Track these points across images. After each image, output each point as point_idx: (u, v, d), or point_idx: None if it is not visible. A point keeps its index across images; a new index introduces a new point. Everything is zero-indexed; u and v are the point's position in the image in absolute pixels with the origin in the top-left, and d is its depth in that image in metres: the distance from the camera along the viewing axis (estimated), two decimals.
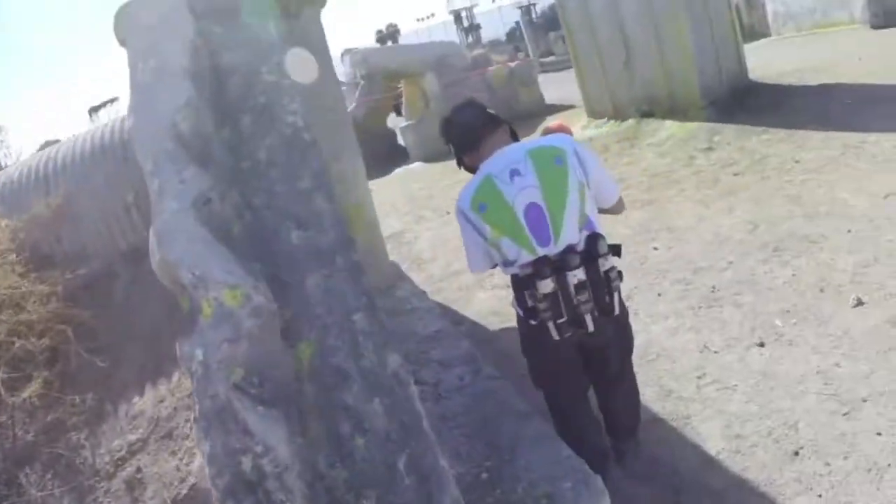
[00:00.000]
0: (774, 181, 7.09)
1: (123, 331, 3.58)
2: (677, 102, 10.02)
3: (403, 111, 17.62)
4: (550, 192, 2.79)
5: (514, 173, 2.82)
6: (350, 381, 2.54)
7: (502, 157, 2.89)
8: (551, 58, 27.95)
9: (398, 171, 14.86)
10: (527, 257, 2.81)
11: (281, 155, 3.38)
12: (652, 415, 4.06)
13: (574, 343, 2.96)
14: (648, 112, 10.48)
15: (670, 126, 9.81)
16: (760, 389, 4.07)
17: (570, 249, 2.78)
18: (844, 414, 3.72)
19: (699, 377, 4.33)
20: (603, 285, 2.80)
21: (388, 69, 15.91)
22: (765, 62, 11.96)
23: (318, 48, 4.96)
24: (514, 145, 2.99)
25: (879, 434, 3.50)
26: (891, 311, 4.45)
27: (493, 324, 5.72)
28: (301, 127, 3.52)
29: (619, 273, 2.89)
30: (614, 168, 9.18)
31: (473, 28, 40.72)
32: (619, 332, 3.17)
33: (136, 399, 3.37)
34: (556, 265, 2.75)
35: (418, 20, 56.39)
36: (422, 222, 9.91)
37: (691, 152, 8.73)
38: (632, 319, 4.61)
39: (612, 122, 11.06)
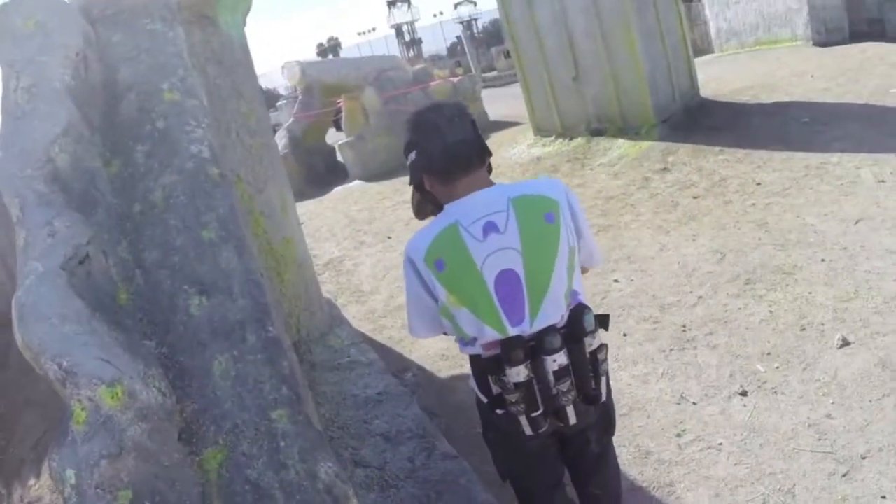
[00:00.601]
0: (737, 205, 6.69)
1: (19, 397, 3.01)
2: (629, 120, 9.63)
3: (343, 127, 17.05)
4: (534, 258, 2.14)
5: (491, 228, 2.13)
6: (270, 501, 1.95)
7: (477, 203, 2.18)
8: (493, 73, 27.73)
9: (337, 189, 14.24)
10: (491, 335, 2.17)
11: (181, 196, 2.82)
12: (630, 482, 3.57)
13: (548, 433, 2.33)
14: (599, 130, 10.09)
15: (622, 145, 9.42)
16: (748, 448, 3.62)
17: (550, 328, 2.15)
18: (844, 475, 3.31)
19: (679, 434, 3.85)
20: (588, 369, 2.19)
21: (327, 83, 15.31)
22: (714, 79, 11.72)
23: (239, 60, 4.36)
24: (494, 189, 2.23)
25: (884, 497, 3.12)
26: (879, 352, 4.07)
27: (443, 370, 5.17)
28: (207, 159, 2.96)
29: (606, 350, 2.27)
30: None
31: (415, 42, 40.45)
32: (602, 415, 2.49)
33: (32, 481, 2.82)
34: (532, 347, 2.13)
35: (360, 34, 56.07)
36: (362, 248, 9.33)
37: (646, 173, 8.32)
38: None
39: (560, 140, 10.64)
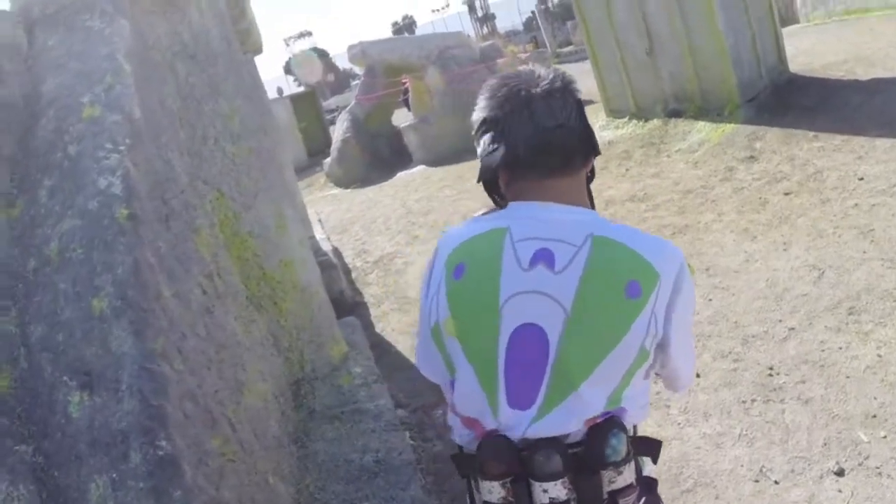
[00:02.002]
0: (837, 205, 5.66)
1: None
2: (710, 100, 8.59)
3: (410, 108, 16.37)
4: (582, 334, 1.39)
5: (545, 258, 1.41)
6: None
7: (547, 218, 1.46)
8: (569, 48, 26.58)
9: (400, 175, 13.60)
10: (475, 402, 1.47)
11: (77, 248, 2.24)
12: None
13: None
14: (676, 111, 9.07)
15: (703, 128, 8.40)
16: None
17: (551, 443, 1.40)
18: None
19: None
20: None
21: (389, 63, 14.64)
22: (803, 52, 10.41)
23: (218, 52, 3.68)
24: (580, 211, 1.49)
25: None
26: None
27: None
28: (116, 195, 2.34)
29: (636, 495, 1.43)
30: (638, 181, 7.81)
31: (488, 18, 39.38)
32: None
33: None
34: (521, 459, 1.41)
35: (433, 11, 55.00)
36: (415, 243, 8.65)
37: (730, 162, 7.31)
38: (662, 413, 3.49)
39: (633, 121, 9.66)
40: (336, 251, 8.63)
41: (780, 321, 4.33)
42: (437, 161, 13.21)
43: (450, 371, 1.54)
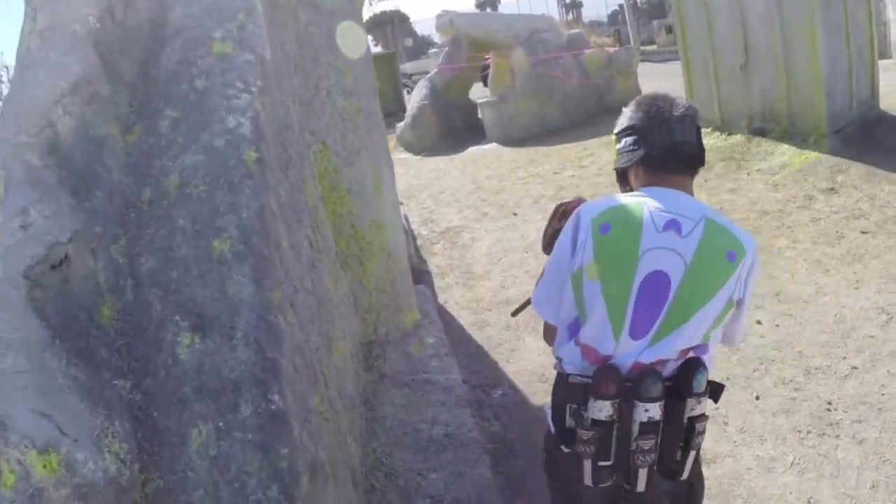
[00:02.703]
0: None
1: None
2: (798, 124, 8.55)
3: (489, 84, 16.38)
4: (696, 280, 1.92)
5: (674, 226, 1.94)
6: None
7: (674, 199, 2.00)
8: (652, 47, 26.21)
9: (472, 150, 13.67)
10: (600, 332, 1.95)
11: (200, 185, 2.24)
12: None
13: (610, 491, 2.03)
14: (762, 129, 9.04)
15: (786, 151, 8.37)
16: None
17: (652, 370, 1.89)
18: None
19: None
20: (680, 436, 1.91)
21: (475, 37, 14.65)
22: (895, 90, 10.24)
23: (341, 5, 3.80)
24: (696, 201, 2.06)
25: None
26: None
27: (539, 393, 4.55)
28: (245, 136, 2.34)
29: (706, 422, 1.95)
30: (715, 195, 7.85)
31: (575, 5, 38.77)
32: (678, 489, 2.10)
33: None
34: (626, 386, 1.87)
35: None
36: (484, 220, 8.78)
37: (810, 191, 7.31)
38: (719, 429, 3.65)
39: (717, 133, 9.64)
40: (405, 217, 8.80)
41: (844, 358, 4.42)
42: (510, 141, 13.27)
43: (580, 311, 2.00)
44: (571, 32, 14.90)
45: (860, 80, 8.64)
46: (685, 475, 1.97)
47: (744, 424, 3.99)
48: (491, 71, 15.82)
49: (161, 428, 1.85)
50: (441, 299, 6.41)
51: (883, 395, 4.03)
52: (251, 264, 2.17)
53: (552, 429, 2.10)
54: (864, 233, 6.17)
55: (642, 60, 19.90)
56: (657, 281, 1.91)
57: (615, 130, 2.17)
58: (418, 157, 14.19)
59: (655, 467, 1.92)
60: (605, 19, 38.53)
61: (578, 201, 2.31)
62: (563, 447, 2.03)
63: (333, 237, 3.92)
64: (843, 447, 3.69)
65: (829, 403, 4.04)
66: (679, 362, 1.94)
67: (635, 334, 1.92)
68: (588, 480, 1.95)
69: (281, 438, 1.89)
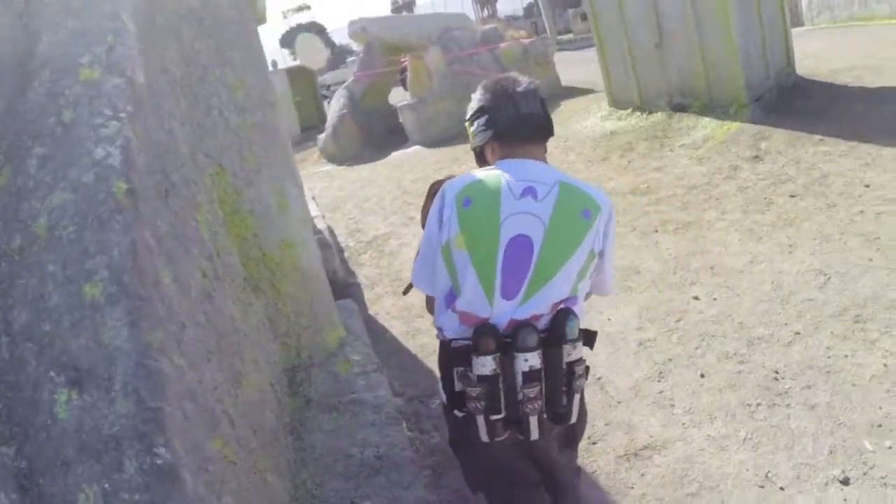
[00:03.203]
0: (842, 210, 5.61)
1: None
2: (717, 97, 8.52)
3: (408, 87, 16.16)
4: (555, 239, 2.10)
5: (530, 192, 2.13)
6: None
7: (528, 168, 2.20)
8: (569, 35, 26.37)
9: (394, 155, 13.42)
10: (475, 298, 2.09)
11: (69, 226, 2.01)
12: None
13: (509, 445, 2.19)
14: (681, 105, 9.00)
15: (708, 125, 8.33)
16: None
17: (527, 323, 2.06)
18: None
19: None
20: (562, 381, 2.06)
21: (388, 41, 14.41)
22: (810, 55, 10.32)
23: (228, 18, 3.54)
24: (548, 167, 2.26)
25: None
26: None
27: None
28: (114, 167, 2.13)
29: (587, 369, 2.15)
30: (641, 174, 7.75)
31: (489, 1, 38.82)
32: (564, 430, 2.33)
33: None
34: (504, 341, 2.03)
35: None
36: (411, 225, 8.53)
37: (735, 161, 7.24)
38: (666, 412, 3.75)
39: (637, 114, 9.58)
40: (330, 230, 8.50)
41: (786, 325, 4.28)
42: (432, 142, 13.06)
43: (453, 280, 2.14)
44: (486, 28, 14.78)
45: (775, 50, 8.67)
46: (573, 419, 2.12)
47: (691, 405, 3.81)
48: (409, 73, 15.61)
49: (47, 495, 1.68)
50: (371, 311, 6.16)
51: (829, 357, 3.89)
52: (125, 307, 1.96)
53: (443, 397, 2.23)
54: (792, 196, 6.10)
55: (560, 49, 19.94)
56: (520, 244, 2.07)
57: (467, 116, 2.36)
58: (342, 168, 13.88)
59: (545, 415, 2.06)
60: (521, 13, 38.62)
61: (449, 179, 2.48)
62: (456, 412, 2.16)
63: (241, 262, 3.65)
64: (796, 416, 3.53)
65: (776, 372, 3.88)
66: (551, 315, 2.09)
67: (507, 295, 2.07)
68: (484, 436, 2.07)
69: (171, 494, 1.71)
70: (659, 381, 4.09)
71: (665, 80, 9.16)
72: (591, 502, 3.32)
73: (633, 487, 3.37)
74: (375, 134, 15.02)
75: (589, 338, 2.20)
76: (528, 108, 2.23)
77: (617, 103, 10.08)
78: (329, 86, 25.14)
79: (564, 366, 2.05)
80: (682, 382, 4.01)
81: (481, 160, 2.38)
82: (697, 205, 6.54)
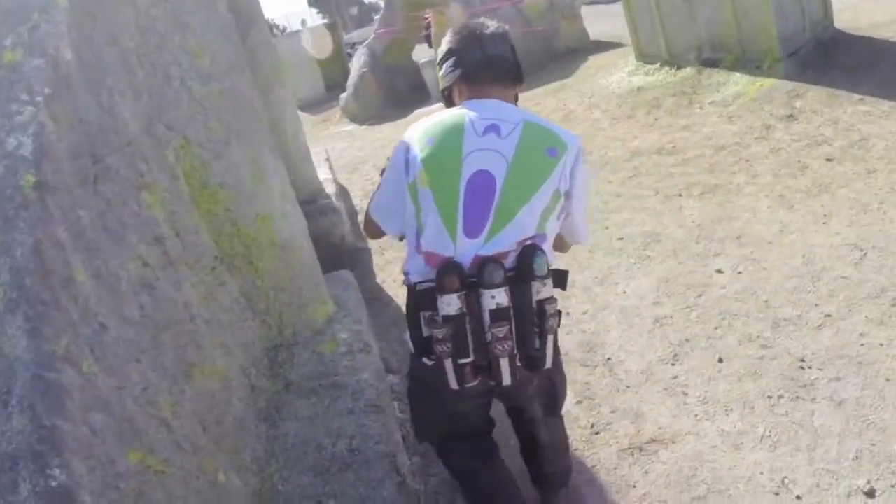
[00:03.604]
0: (882, 177, 5.14)
1: None
2: (749, 51, 7.97)
3: (432, 43, 15.70)
4: (518, 176, 2.06)
5: (493, 129, 2.10)
6: None
7: (493, 107, 2.18)
8: None
9: (417, 112, 13.03)
10: (439, 236, 2.05)
11: None
12: None
13: (479, 393, 2.17)
14: (711, 60, 8.47)
15: (739, 80, 7.81)
16: None
17: (493, 259, 1.99)
18: None
19: None
20: (531, 320, 1.98)
21: None
22: (849, 7, 9.59)
23: None
24: (515, 107, 2.27)
25: None
26: None
27: None
28: (25, 158, 1.95)
29: (559, 311, 2.06)
30: (667, 133, 7.30)
31: None
32: (546, 389, 2.41)
33: None
34: (470, 279, 1.96)
35: None
36: None
37: (767, 119, 6.76)
38: (678, 401, 3.53)
39: (665, 68, 9.07)
40: (343, 192, 8.17)
41: (816, 305, 3.89)
42: None
43: (418, 221, 2.10)
44: None
45: (811, 1, 8.05)
46: (548, 363, 2.06)
47: (706, 394, 3.46)
48: (432, 29, 15.13)
49: None
50: (379, 278, 5.88)
51: (862, 345, 3.50)
52: (24, 313, 1.78)
53: (411, 346, 2.15)
54: (828, 160, 5.63)
55: (590, 3, 19.27)
56: (482, 180, 2.03)
57: (437, 60, 2.38)
58: (363, 128, 13.55)
59: (518, 359, 1.99)
60: None
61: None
62: (424, 359, 2.08)
63: (214, 239, 3.39)
64: (821, 412, 3.17)
65: (802, 360, 3.51)
66: (518, 252, 2.02)
67: (470, 233, 2.02)
68: (453, 383, 1.99)
69: None
70: (673, 365, 3.74)
71: (694, 33, 8.62)
72: (585, 499, 3.05)
73: (634, 486, 3.06)
74: (398, 92, 14.66)
75: (560, 278, 2.13)
76: (495, 50, 2.24)
77: (644, 58, 9.57)
78: (354, 44, 24.67)
79: (534, 304, 1.98)
80: (698, 367, 3.66)
81: (449, 102, 2.36)
82: (726, 167, 6.10)
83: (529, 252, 2.00)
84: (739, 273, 4.41)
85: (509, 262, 2.01)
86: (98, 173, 2.34)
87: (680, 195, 5.78)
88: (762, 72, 7.66)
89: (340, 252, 6.20)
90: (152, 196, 2.76)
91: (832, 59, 7.63)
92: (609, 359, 3.91)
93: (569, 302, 4.57)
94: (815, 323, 3.75)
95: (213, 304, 3.09)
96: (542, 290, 1.99)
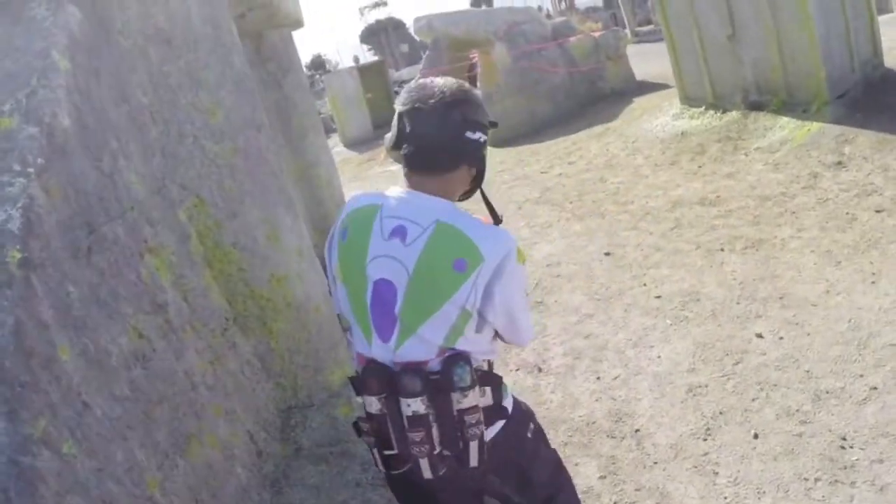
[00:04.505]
0: None
1: None
2: (796, 93, 7.71)
3: (479, 84, 15.68)
4: (418, 292, 1.88)
5: (399, 233, 1.89)
6: None
7: (409, 203, 1.93)
8: (649, 27, 25.32)
9: None
10: (358, 337, 1.98)
11: None
12: None
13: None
14: (758, 103, 8.22)
15: (786, 125, 7.55)
16: None
17: (411, 366, 1.89)
18: None
19: None
20: (453, 428, 1.90)
21: (455, 37, 13.95)
22: None
23: (201, 35, 3.22)
24: (437, 203, 1.92)
25: None
26: None
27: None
28: (12, 234, 1.98)
29: (480, 415, 1.91)
30: (711, 181, 7.08)
31: None
32: (515, 473, 2.20)
33: None
34: (391, 381, 1.89)
35: None
36: None
37: (815, 167, 6.49)
38: (707, 481, 3.31)
39: (710, 112, 8.84)
40: None
41: (861, 376, 3.63)
42: (499, 141, 12.50)
43: (342, 311, 2.04)
44: (556, 21, 14.13)
45: (859, 39, 7.76)
46: (473, 463, 1.95)
47: (738, 474, 3.23)
48: (479, 69, 15.12)
49: None
50: None
51: None
52: (2, 395, 1.72)
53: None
54: (878, 212, 5.34)
55: (639, 41, 19.12)
56: (385, 289, 1.91)
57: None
58: None
59: (443, 455, 1.93)
60: (600, 3, 37.38)
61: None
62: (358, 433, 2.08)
63: (227, 300, 3.32)
64: (861, 498, 2.93)
65: (844, 439, 3.26)
66: (443, 359, 1.91)
67: (382, 337, 1.93)
68: (380, 466, 2.02)
69: None
70: (705, 440, 3.52)
71: (740, 75, 8.39)
72: None
73: None
74: None
75: (492, 381, 2.00)
76: (424, 129, 1.90)
77: (689, 100, 9.35)
78: (403, 82, 24.92)
79: (455, 414, 1.89)
80: (732, 443, 3.44)
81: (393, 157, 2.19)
82: (771, 219, 5.85)
83: (451, 362, 1.89)
84: (781, 338, 4.17)
85: (433, 366, 1.91)
86: (93, 244, 2.32)
87: (722, 249, 5.55)
88: (810, 115, 7.38)
89: None
90: (158, 259, 2.71)
91: (883, 99, 7.30)
92: (638, 430, 3.71)
93: (601, 366, 4.39)
94: (860, 396, 3.49)
95: (219, 369, 3.03)
96: (464, 400, 1.88)
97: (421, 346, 1.90)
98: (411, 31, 49.69)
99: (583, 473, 3.48)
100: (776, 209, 5.99)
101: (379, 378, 1.90)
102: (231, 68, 3.31)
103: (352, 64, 29.26)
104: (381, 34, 43.69)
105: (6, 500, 1.59)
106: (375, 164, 14.97)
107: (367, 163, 15.65)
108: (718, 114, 8.66)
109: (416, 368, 1.89)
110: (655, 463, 3.45)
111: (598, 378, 4.25)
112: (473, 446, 1.93)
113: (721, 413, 3.67)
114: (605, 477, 3.44)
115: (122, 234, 2.46)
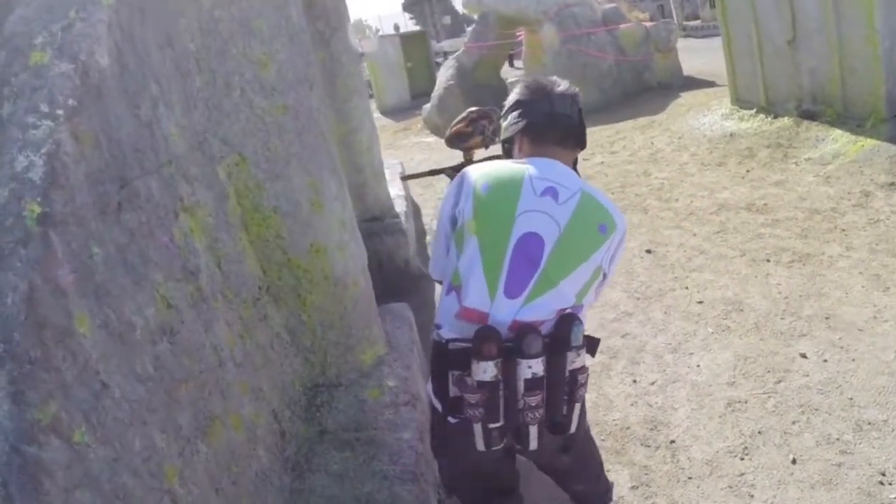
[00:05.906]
0: None
1: None
2: (852, 107, 7.56)
3: (523, 63, 15.51)
4: (567, 246, 2.03)
5: (552, 192, 2.05)
6: None
7: (555, 169, 2.13)
8: (696, 22, 24.90)
9: None
10: (479, 290, 2.01)
11: None
12: None
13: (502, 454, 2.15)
14: (811, 112, 8.07)
15: (839, 138, 7.40)
16: None
17: (532, 327, 1.97)
18: None
19: None
20: (564, 389, 1.98)
21: (504, 13, 13.77)
22: None
23: None
24: (573, 173, 2.20)
25: None
26: None
27: None
28: (33, 183, 1.68)
29: (587, 375, 2.05)
30: (758, 187, 6.97)
31: None
32: (576, 459, 2.39)
33: None
34: (506, 346, 1.92)
35: None
36: None
37: (867, 185, 6.36)
38: (741, 503, 3.26)
39: (761, 116, 8.71)
40: (414, 210, 8.01)
41: None
42: None
43: (460, 269, 2.06)
44: (606, 7, 13.88)
45: None
46: (573, 429, 2.04)
47: (773, 499, 3.18)
48: (524, 48, 14.94)
49: None
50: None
51: None
52: (9, 373, 1.52)
53: (436, 404, 2.16)
54: None
55: (686, 36, 18.80)
56: (532, 242, 2.00)
57: (502, 111, 2.33)
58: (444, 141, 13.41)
59: (545, 424, 1.99)
60: None
61: (491, 111, 2.99)
62: (450, 418, 2.09)
63: (262, 267, 3.20)
64: None
65: (883, 475, 3.19)
66: (555, 320, 2.02)
67: (510, 293, 1.99)
68: (481, 445, 1.98)
69: None
70: (742, 459, 3.47)
71: (795, 82, 8.24)
72: None
73: None
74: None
75: (591, 346, 2.11)
76: (563, 109, 2.19)
77: (740, 102, 9.21)
78: (446, 53, 24.68)
79: (567, 373, 1.98)
80: (769, 466, 3.38)
81: (507, 154, 2.33)
82: (819, 234, 5.74)
83: (568, 321, 2.00)
84: (825, 361, 4.09)
85: (545, 329, 2.02)
86: (124, 200, 2.06)
87: (768, 260, 5.46)
88: (864, 130, 7.24)
89: (402, 277, 6.03)
90: (193, 220, 2.55)
91: None
92: (673, 441, 3.66)
93: (638, 368, 4.33)
94: None
95: (248, 342, 2.90)
96: (577, 359, 1.99)
97: (552, 301, 2.01)
98: (454, 2, 49.17)
99: (615, 482, 3.45)
100: (825, 224, 5.88)
101: (496, 342, 1.91)
102: (287, 19, 3.16)
103: (392, 32, 29.05)
104: (425, 4, 43.21)
105: (6, 495, 1.47)
106: (411, 134, 14.87)
107: (403, 131, 15.55)
108: (770, 119, 8.52)
109: (534, 328, 1.96)
110: (690, 478, 3.41)
111: (635, 381, 4.20)
112: (576, 409, 2.03)
113: (760, 433, 3.61)
114: (636, 488, 3.41)
115: (156, 190, 2.27)
